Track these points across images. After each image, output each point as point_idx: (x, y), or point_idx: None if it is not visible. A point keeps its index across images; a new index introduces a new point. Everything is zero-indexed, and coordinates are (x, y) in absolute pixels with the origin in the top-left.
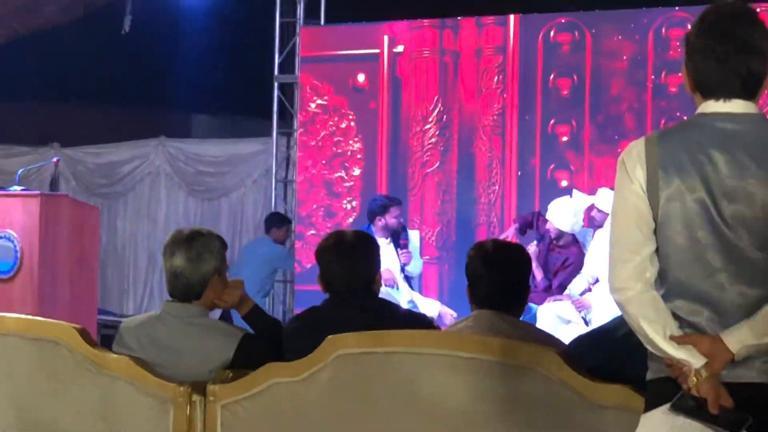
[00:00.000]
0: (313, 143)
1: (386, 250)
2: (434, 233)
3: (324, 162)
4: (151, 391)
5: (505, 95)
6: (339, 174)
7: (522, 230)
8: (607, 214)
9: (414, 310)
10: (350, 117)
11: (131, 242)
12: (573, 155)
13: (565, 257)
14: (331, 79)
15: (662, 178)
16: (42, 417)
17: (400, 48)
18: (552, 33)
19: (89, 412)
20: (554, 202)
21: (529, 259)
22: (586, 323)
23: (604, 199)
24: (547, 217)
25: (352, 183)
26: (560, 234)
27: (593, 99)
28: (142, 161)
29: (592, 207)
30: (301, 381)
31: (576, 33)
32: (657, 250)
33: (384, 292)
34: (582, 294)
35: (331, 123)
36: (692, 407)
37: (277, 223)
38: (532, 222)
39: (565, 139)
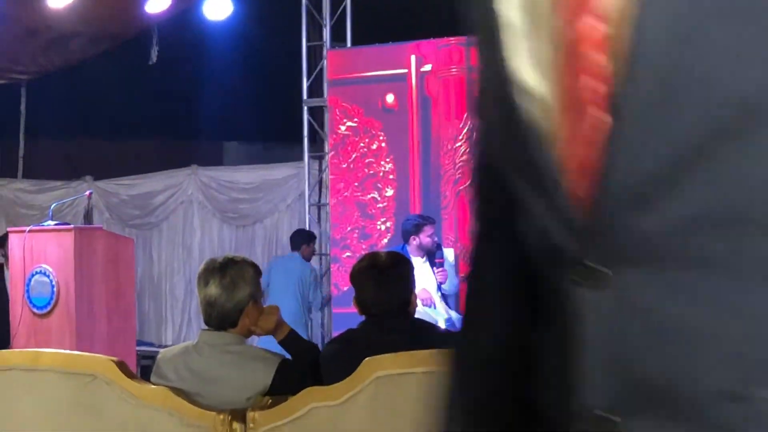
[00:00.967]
0: (344, 165)
1: (422, 269)
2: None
3: (356, 184)
4: (191, 421)
5: None
6: (372, 195)
7: None
8: None
9: (452, 329)
10: (381, 138)
11: (167, 272)
12: None
13: None
14: (360, 101)
15: None
16: None
17: (427, 67)
18: None
19: None
20: None
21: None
22: None
23: None
24: None
25: (385, 204)
26: None
27: None
28: (174, 191)
29: None
30: (340, 404)
31: None
32: None
33: (421, 311)
34: None
35: (362, 144)
36: None
37: (307, 239)
38: None
39: None
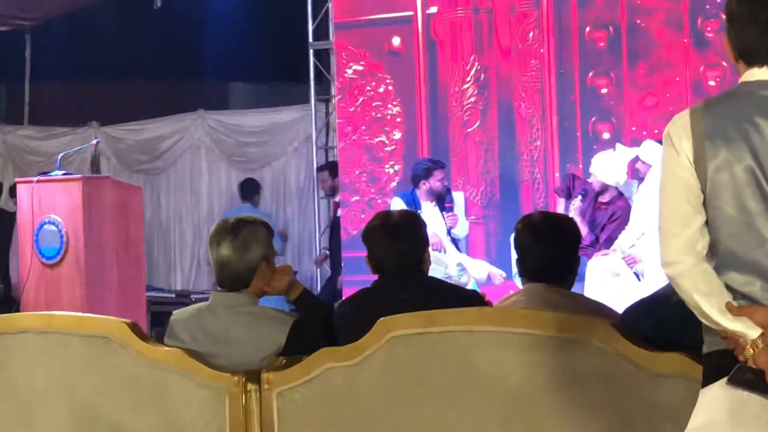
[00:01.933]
0: (351, 109)
1: (432, 213)
2: (478, 193)
3: (364, 127)
4: (205, 382)
5: (541, 50)
6: (380, 138)
7: (567, 196)
8: (651, 166)
9: (464, 286)
10: (388, 81)
11: (175, 217)
12: (613, 106)
13: (612, 211)
14: (366, 44)
15: (709, 149)
16: (97, 413)
17: (433, 9)
18: None
19: (144, 406)
20: (598, 155)
21: (578, 230)
22: (638, 277)
23: (648, 150)
24: (591, 170)
25: (393, 147)
26: (605, 188)
27: (630, 49)
28: (181, 135)
29: (636, 159)
30: (355, 365)
31: None
32: (707, 222)
33: (432, 257)
34: (630, 247)
35: (368, 88)
36: (750, 380)
37: (257, 188)
38: (570, 186)
39: (604, 90)
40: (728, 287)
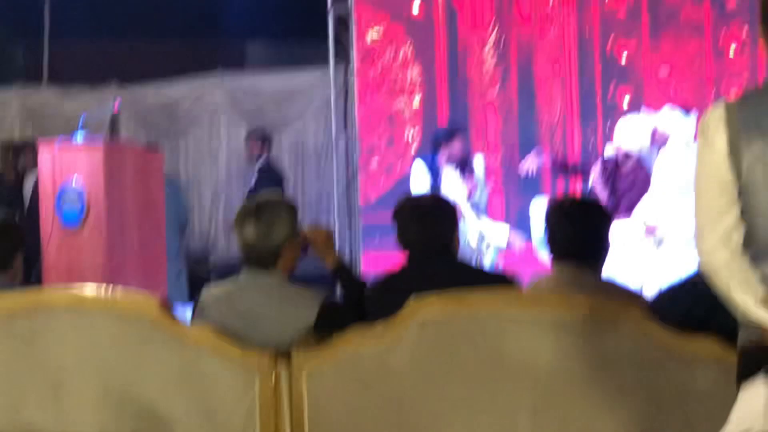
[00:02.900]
0: (371, 73)
1: (452, 178)
2: (498, 158)
3: (384, 92)
4: (235, 361)
5: (561, 16)
6: (399, 104)
7: (557, 168)
8: (669, 135)
9: (484, 253)
10: (407, 45)
11: (194, 180)
12: (633, 73)
13: (634, 178)
14: (386, 9)
15: (744, 141)
16: (127, 391)
17: None
18: None
19: (174, 385)
20: (622, 120)
21: (609, 215)
22: (657, 244)
23: (667, 118)
24: (615, 137)
25: (413, 111)
26: (626, 156)
27: (651, 16)
28: (200, 98)
29: (656, 128)
30: (385, 346)
31: None
32: (742, 215)
33: None
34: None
35: (388, 52)
36: None
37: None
38: (560, 167)
39: (625, 57)
40: (765, 278)
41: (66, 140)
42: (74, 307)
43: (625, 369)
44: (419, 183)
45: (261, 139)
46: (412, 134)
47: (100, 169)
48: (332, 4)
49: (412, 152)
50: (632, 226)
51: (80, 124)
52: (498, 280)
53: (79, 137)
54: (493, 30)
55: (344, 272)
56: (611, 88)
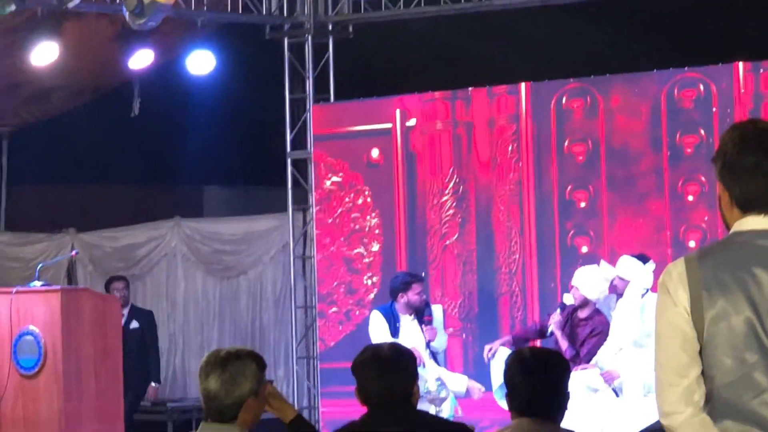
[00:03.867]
0: (330, 220)
1: (410, 326)
2: (456, 305)
3: (342, 238)
4: None
5: (520, 163)
6: (358, 250)
7: (517, 344)
8: (628, 282)
9: (443, 400)
10: (366, 192)
11: None
12: (592, 221)
13: (593, 327)
14: (345, 156)
15: (706, 299)
16: None
17: (412, 121)
18: (564, 99)
19: None
20: (582, 269)
21: (567, 365)
22: (616, 393)
23: (625, 267)
24: (574, 283)
25: (371, 258)
26: (584, 302)
27: (609, 163)
28: (158, 243)
29: (614, 276)
30: None
31: (588, 98)
32: (703, 372)
33: None
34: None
35: (347, 199)
36: None
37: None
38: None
39: (583, 204)
40: None
41: (23, 286)
42: None
43: None
44: (377, 332)
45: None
46: (371, 281)
47: (57, 315)
48: (291, 151)
49: (371, 298)
50: (591, 376)
51: (37, 270)
52: (457, 430)
53: (37, 283)
54: (452, 176)
55: (300, 425)
56: (569, 235)
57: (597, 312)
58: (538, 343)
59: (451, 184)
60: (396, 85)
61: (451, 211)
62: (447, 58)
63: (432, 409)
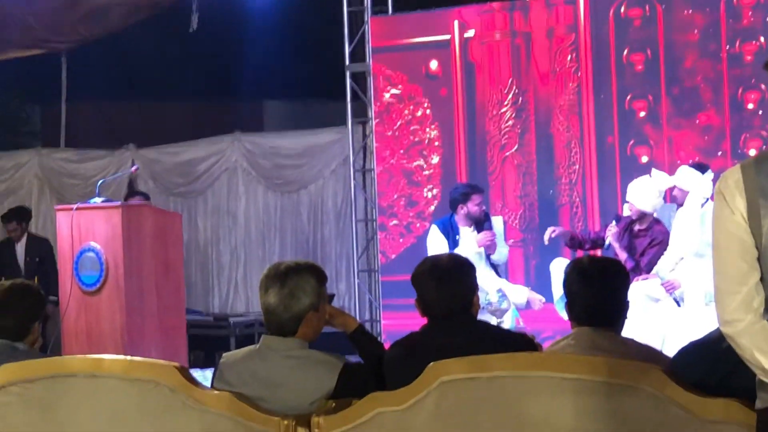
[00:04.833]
0: (389, 133)
1: (470, 238)
2: (517, 216)
3: (402, 151)
4: (255, 426)
5: (579, 74)
6: (418, 162)
7: (572, 246)
8: (688, 192)
9: (504, 311)
10: (425, 105)
11: (213, 240)
12: (651, 130)
13: (652, 237)
14: (403, 68)
15: (763, 206)
16: None
17: (470, 32)
18: (623, 8)
19: None
20: (634, 182)
21: (626, 274)
22: (677, 303)
23: (684, 177)
24: (628, 198)
25: (431, 171)
26: (642, 215)
27: (668, 72)
28: (218, 158)
29: (673, 186)
30: (405, 409)
31: (647, 7)
32: (761, 278)
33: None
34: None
35: (406, 112)
36: None
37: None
38: (574, 242)
39: (642, 114)
40: None
41: (84, 203)
42: (93, 373)
43: (645, 430)
44: (436, 244)
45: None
46: (431, 193)
47: (118, 231)
48: (349, 64)
49: (431, 210)
50: (651, 285)
51: (98, 186)
52: (518, 340)
53: (97, 200)
54: (511, 87)
55: (362, 337)
56: (629, 144)
57: (656, 222)
58: (598, 253)
59: (510, 95)
60: None
61: (510, 122)
62: None
63: (493, 321)
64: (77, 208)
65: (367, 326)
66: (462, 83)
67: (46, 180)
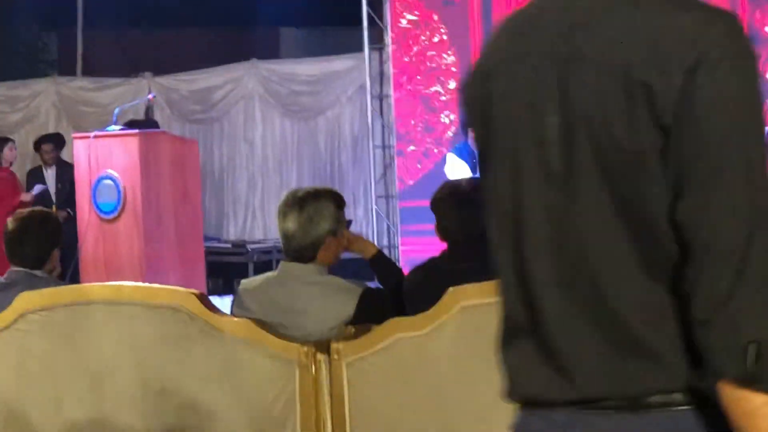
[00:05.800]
0: (406, 59)
1: None
2: None
3: (419, 77)
4: (274, 352)
5: None
6: (435, 88)
7: None
8: None
9: None
10: (442, 30)
11: (229, 167)
12: None
13: None
14: None
15: None
16: (166, 384)
17: None
18: None
19: (213, 377)
20: None
21: None
22: None
23: None
24: None
25: (448, 96)
26: None
27: None
28: (234, 85)
29: None
30: (425, 335)
31: None
32: None
33: None
34: None
35: (423, 37)
36: None
37: None
38: None
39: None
40: None
41: (101, 130)
42: (113, 300)
43: None
44: (457, 170)
45: (56, 144)
46: (448, 119)
47: (135, 159)
48: None
49: (449, 135)
50: None
51: (115, 114)
52: None
53: (114, 127)
54: None
55: (381, 262)
56: None
57: None
58: None
59: None
60: None
61: None
62: None
63: None
64: (95, 136)
65: (385, 252)
66: (479, 9)
67: (63, 108)
